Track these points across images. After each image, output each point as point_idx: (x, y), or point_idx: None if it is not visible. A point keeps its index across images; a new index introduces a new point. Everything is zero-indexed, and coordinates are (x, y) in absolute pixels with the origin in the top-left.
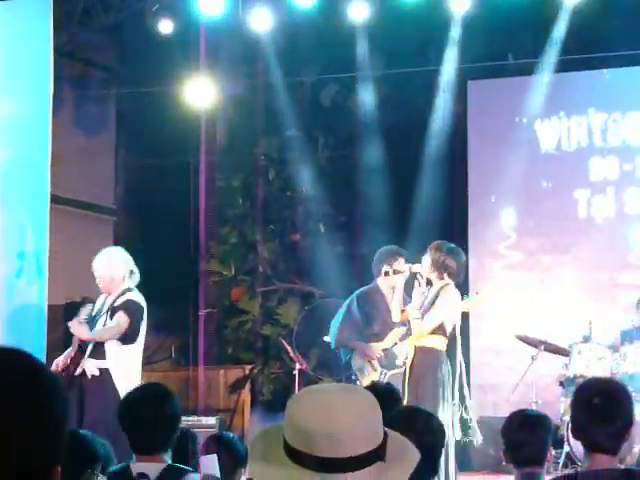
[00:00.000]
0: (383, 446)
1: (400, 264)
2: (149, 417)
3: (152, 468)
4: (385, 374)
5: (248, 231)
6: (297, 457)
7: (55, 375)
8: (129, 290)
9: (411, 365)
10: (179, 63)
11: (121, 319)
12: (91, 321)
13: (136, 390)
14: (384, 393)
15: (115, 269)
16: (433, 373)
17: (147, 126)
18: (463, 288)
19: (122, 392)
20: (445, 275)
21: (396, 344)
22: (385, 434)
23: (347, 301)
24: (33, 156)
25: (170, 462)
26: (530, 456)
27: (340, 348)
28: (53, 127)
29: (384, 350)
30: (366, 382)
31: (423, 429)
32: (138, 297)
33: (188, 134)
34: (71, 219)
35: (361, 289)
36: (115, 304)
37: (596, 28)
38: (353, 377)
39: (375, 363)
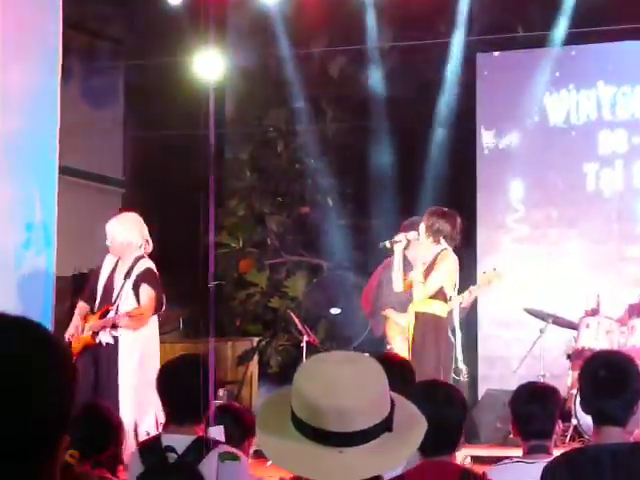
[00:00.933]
0: (390, 416)
1: (409, 235)
2: (184, 387)
3: (182, 440)
4: None
5: (256, 203)
6: (304, 429)
7: (64, 345)
8: (143, 257)
9: (413, 332)
10: (187, 34)
11: (149, 294)
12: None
13: (175, 359)
14: (394, 363)
15: (132, 234)
16: (433, 339)
17: (155, 98)
18: (471, 260)
19: (125, 362)
20: (441, 239)
21: None
22: (392, 403)
23: (379, 268)
24: (42, 127)
25: (201, 434)
26: (539, 429)
27: (374, 316)
28: (62, 98)
29: None
30: (399, 350)
31: (444, 402)
32: (153, 265)
33: (196, 106)
34: (80, 190)
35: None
36: (134, 273)
37: (606, 0)
38: (388, 346)
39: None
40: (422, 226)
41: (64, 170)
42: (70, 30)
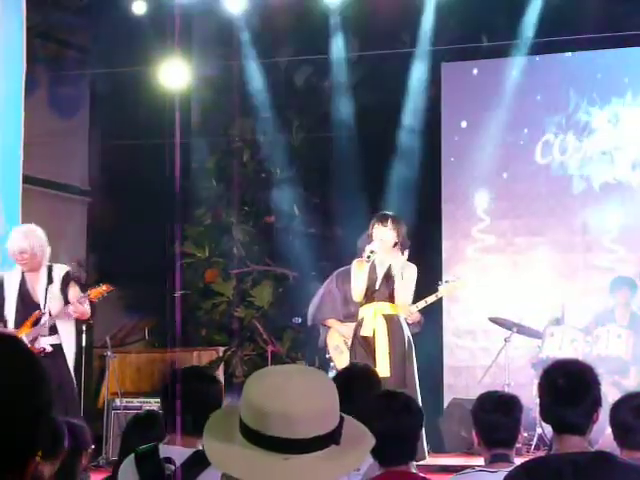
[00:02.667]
0: (338, 429)
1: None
2: (197, 399)
3: (181, 452)
4: None
5: (222, 213)
6: (252, 437)
7: (41, 362)
8: (54, 264)
9: (388, 336)
10: (153, 44)
11: (77, 291)
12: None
13: (188, 370)
14: (362, 374)
15: (40, 245)
16: (401, 340)
17: (121, 107)
18: (437, 270)
19: (73, 367)
20: (399, 246)
21: None
22: (341, 418)
23: (327, 280)
24: (6, 137)
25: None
26: (501, 438)
27: (317, 326)
28: (26, 108)
29: None
30: (341, 360)
31: (401, 411)
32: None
33: (162, 115)
34: (44, 200)
35: (342, 268)
36: (56, 278)
37: (570, 10)
38: (327, 355)
39: (350, 342)
40: (389, 233)
41: (28, 180)
42: (36, 39)
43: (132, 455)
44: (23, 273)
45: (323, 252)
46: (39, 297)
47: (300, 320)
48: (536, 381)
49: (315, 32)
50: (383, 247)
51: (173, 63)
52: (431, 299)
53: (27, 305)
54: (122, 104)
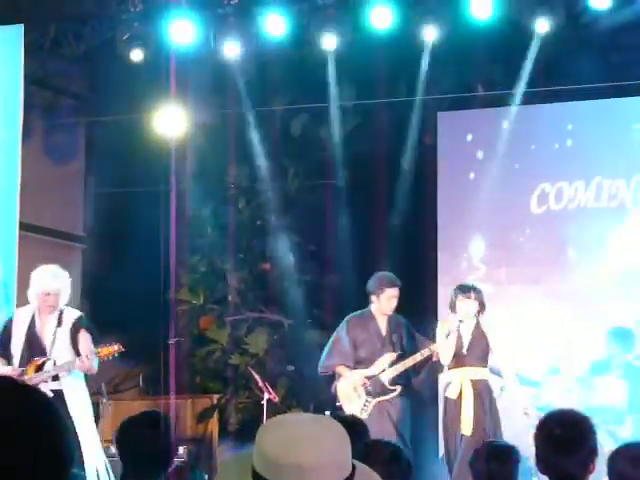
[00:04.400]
0: (350, 479)
1: (389, 293)
2: (145, 443)
3: None
4: (369, 402)
5: (217, 260)
6: None
7: (62, 414)
8: (67, 306)
9: (474, 399)
10: (149, 92)
11: (89, 339)
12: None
13: (136, 415)
14: (348, 426)
15: (62, 285)
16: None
17: (117, 154)
18: (433, 319)
19: (75, 416)
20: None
21: (384, 371)
22: (353, 467)
23: (339, 327)
24: (2, 183)
25: None
26: None
27: (326, 374)
28: (23, 155)
29: (370, 377)
30: (351, 409)
31: (390, 461)
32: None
33: (158, 162)
34: (40, 247)
35: (353, 313)
36: (65, 322)
37: (565, 60)
38: (337, 404)
39: (360, 390)
40: (472, 305)
41: (24, 226)
42: (32, 86)
43: None
44: (34, 313)
45: (319, 300)
46: (46, 340)
47: (294, 368)
48: (532, 430)
49: (311, 80)
50: (468, 317)
51: (169, 110)
52: None
53: (33, 347)
54: (118, 151)
